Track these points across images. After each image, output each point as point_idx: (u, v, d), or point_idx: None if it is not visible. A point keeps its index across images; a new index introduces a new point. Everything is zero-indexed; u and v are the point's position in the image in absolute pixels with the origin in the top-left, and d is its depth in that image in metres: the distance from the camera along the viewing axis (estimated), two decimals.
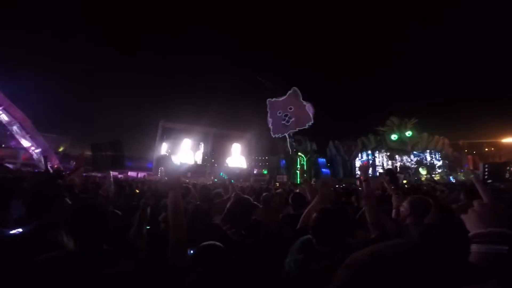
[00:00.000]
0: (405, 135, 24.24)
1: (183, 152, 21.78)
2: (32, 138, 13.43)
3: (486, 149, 26.84)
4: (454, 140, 25.07)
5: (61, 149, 18.46)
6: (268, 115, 24.33)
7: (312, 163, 27.77)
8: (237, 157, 24.22)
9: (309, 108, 23.12)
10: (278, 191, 4.78)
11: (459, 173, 22.33)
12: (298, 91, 23.65)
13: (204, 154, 22.67)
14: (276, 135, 23.64)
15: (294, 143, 25.15)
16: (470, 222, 0.73)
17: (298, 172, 26.86)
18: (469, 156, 25.59)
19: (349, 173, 26.69)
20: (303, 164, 27.07)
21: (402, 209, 1.88)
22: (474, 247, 0.68)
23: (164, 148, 21.25)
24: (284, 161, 27.79)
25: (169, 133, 21.06)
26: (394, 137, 24.46)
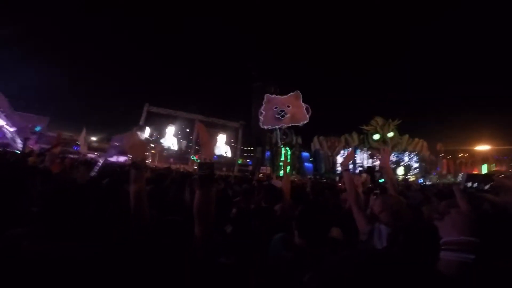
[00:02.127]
0: (387, 135, 25.00)
1: (167, 138, 21.52)
2: (7, 117, 12.76)
3: (460, 155, 28.28)
4: (432, 144, 26.21)
5: (38, 129, 17.75)
6: (262, 107, 24.43)
7: (296, 156, 28.23)
8: (222, 146, 24.22)
9: (307, 109, 23.40)
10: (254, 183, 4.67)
11: (431, 176, 23.42)
12: (300, 94, 23.93)
13: (188, 141, 22.48)
14: (266, 127, 23.88)
15: (283, 136, 25.65)
16: (445, 228, 0.74)
17: (281, 164, 27.27)
18: (444, 160, 26.95)
19: (330, 169, 27.38)
20: (287, 157, 27.44)
21: (374, 207, 1.85)
22: (443, 254, 0.69)
23: (147, 132, 20.90)
24: (269, 153, 28.06)
25: (153, 118, 20.64)
26: (376, 136, 25.18)
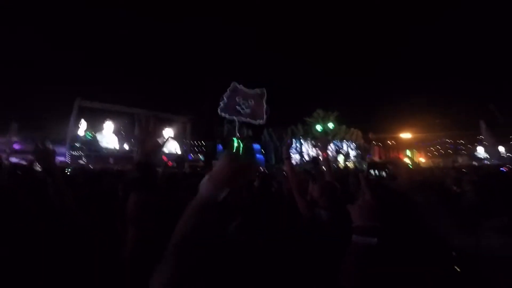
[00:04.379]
0: (328, 126, 27.19)
1: (105, 135, 19.76)
2: None
3: (389, 142, 32.45)
4: (365, 133, 29.41)
5: None
6: (226, 94, 24.61)
7: (248, 148, 28.78)
8: (169, 142, 23.25)
9: (266, 110, 25.25)
10: None
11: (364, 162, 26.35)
12: (265, 93, 25.39)
13: (130, 138, 21.02)
14: (224, 114, 24.29)
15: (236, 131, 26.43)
16: (354, 214, 0.85)
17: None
18: (376, 147, 30.56)
19: (280, 159, 28.69)
20: (238, 149, 27.79)
21: (313, 192, 2.01)
22: (354, 238, 0.81)
23: (83, 127, 18.94)
24: (221, 146, 27.98)
25: (87, 114, 18.70)
26: (319, 127, 27.18)
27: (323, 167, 3.11)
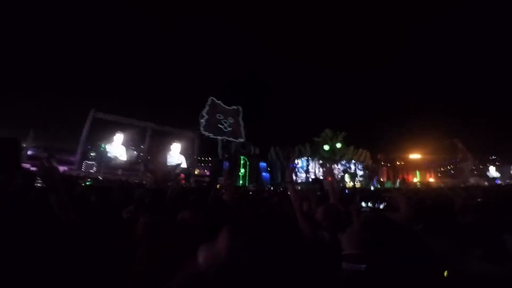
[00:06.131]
0: (335, 146, 26.98)
1: (114, 146, 20.09)
2: None
3: (398, 163, 31.84)
4: (374, 153, 29.02)
5: None
6: (205, 111, 24.85)
7: (254, 167, 28.63)
8: (176, 156, 23.45)
9: (243, 129, 26.46)
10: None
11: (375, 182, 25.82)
12: (241, 111, 26.80)
13: (140, 151, 21.31)
14: (207, 134, 24.55)
15: (241, 148, 27.05)
16: (344, 243, 0.91)
17: (240, 175, 27.43)
18: (384, 168, 30.00)
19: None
20: (245, 168, 27.78)
21: (317, 215, 1.97)
22: (344, 265, 0.86)
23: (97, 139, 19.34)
24: (227, 163, 27.98)
25: (100, 125, 19.21)
26: (326, 147, 26.98)
27: (327, 188, 3.10)
